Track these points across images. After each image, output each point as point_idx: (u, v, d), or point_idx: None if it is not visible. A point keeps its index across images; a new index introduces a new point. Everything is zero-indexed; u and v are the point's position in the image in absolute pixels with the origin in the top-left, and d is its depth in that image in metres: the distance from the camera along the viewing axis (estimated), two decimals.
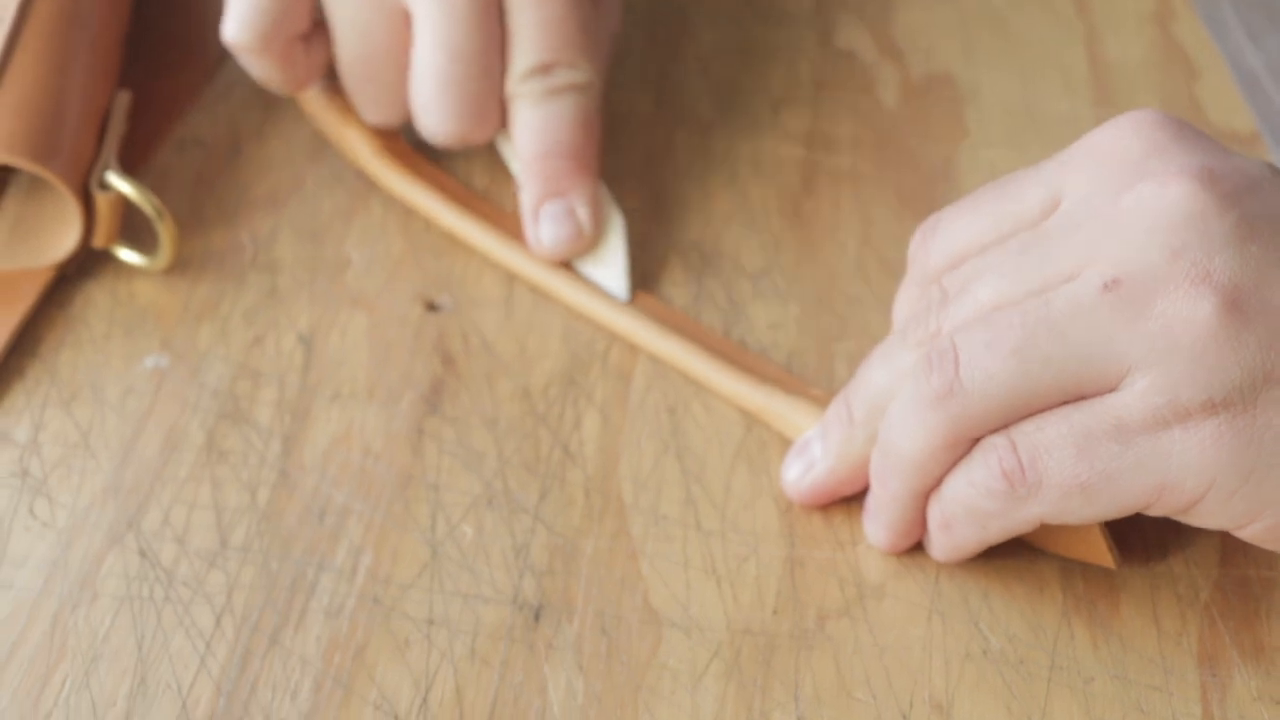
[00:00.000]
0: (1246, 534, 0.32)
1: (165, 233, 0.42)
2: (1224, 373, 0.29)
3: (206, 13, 0.50)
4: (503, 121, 0.44)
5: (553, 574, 0.36)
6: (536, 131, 0.43)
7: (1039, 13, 0.57)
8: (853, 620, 0.35)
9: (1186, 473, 0.30)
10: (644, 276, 0.44)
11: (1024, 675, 0.34)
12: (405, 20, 0.42)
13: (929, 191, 0.48)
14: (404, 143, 0.47)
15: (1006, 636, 0.34)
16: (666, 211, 0.46)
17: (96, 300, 0.42)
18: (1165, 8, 0.57)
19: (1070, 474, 0.31)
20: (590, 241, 0.43)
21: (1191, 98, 0.52)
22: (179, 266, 0.43)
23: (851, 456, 0.36)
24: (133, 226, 0.43)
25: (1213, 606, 0.35)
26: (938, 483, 0.34)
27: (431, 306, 0.43)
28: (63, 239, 0.42)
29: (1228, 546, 0.37)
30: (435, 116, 0.43)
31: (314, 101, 0.47)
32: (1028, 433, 0.31)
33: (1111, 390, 0.31)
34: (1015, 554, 0.36)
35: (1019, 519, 0.32)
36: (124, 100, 0.45)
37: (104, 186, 0.42)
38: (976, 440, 0.32)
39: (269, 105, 0.50)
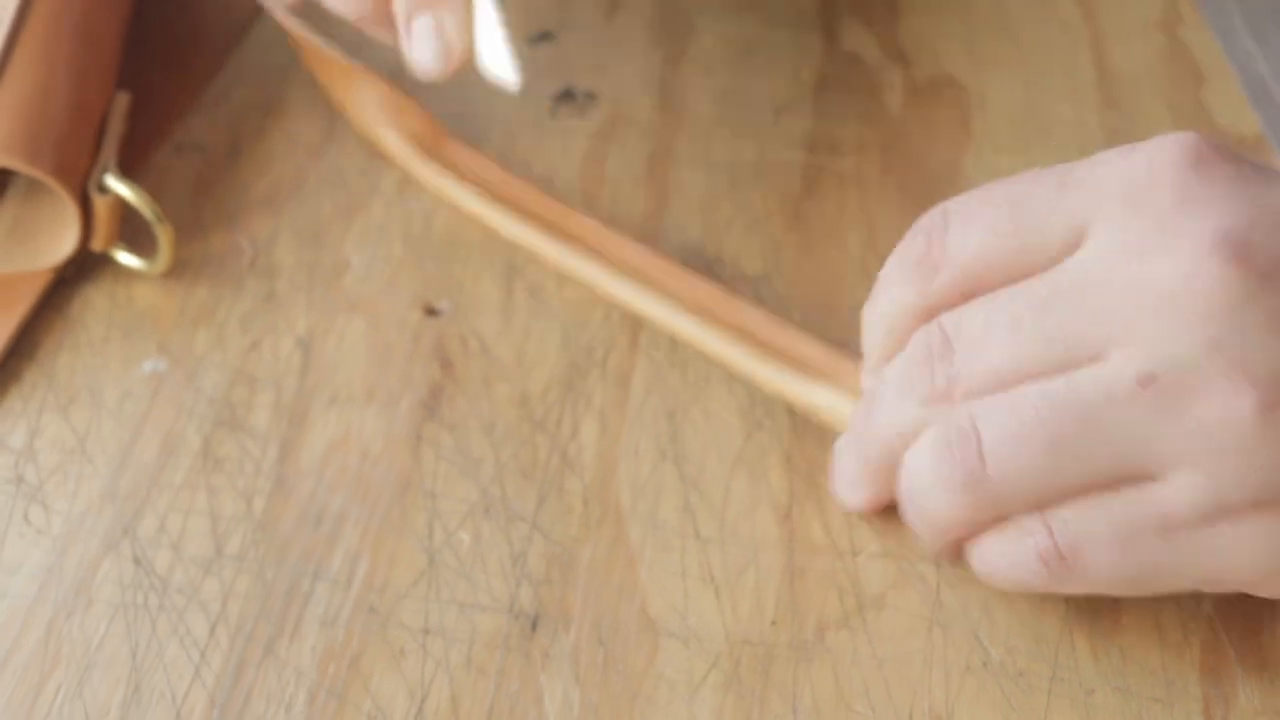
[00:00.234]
0: None
1: (163, 236, 0.42)
2: (1270, 472, 0.28)
3: (206, 14, 0.50)
4: None
5: (550, 583, 0.35)
6: None
7: (1045, 17, 0.56)
8: (852, 631, 0.34)
9: (1238, 566, 0.29)
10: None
11: (1024, 687, 0.33)
12: None
13: (933, 196, 0.47)
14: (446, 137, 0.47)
15: (1007, 648, 0.34)
16: (667, 214, 0.46)
17: (94, 304, 0.42)
18: (1172, 12, 0.57)
19: (1114, 567, 0.30)
20: (465, 53, 0.42)
21: (1198, 102, 0.52)
22: (177, 270, 0.43)
23: (877, 490, 0.35)
24: (131, 229, 0.43)
25: (1216, 618, 0.35)
26: (971, 535, 0.33)
27: (431, 311, 0.42)
28: (61, 242, 0.42)
29: None
30: None
31: (362, 103, 0.46)
32: (1066, 520, 0.30)
33: (1150, 479, 0.29)
34: None
35: (1057, 589, 0.32)
36: (123, 102, 0.45)
37: (102, 189, 0.41)
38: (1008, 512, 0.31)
39: (269, 106, 0.49)
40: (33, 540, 0.36)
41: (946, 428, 0.31)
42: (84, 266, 0.43)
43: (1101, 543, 0.30)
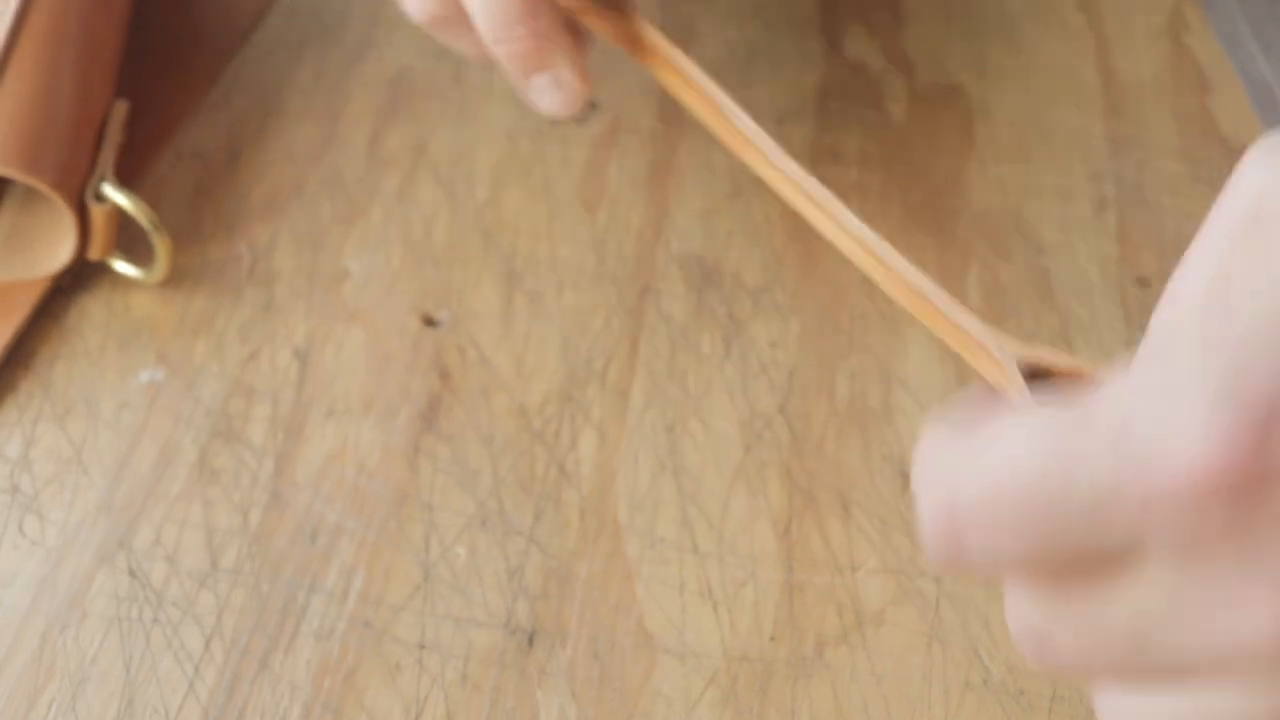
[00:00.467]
0: None
1: (160, 245, 0.41)
2: None
3: (205, 21, 0.49)
4: None
5: (546, 597, 0.35)
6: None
7: (1050, 25, 0.56)
8: (851, 648, 0.34)
9: None
10: (644, 289, 0.43)
11: (1024, 706, 0.33)
12: None
13: (936, 206, 0.47)
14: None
15: (1008, 666, 0.34)
16: (668, 224, 0.46)
17: (92, 313, 0.42)
18: (1178, 20, 0.56)
19: None
20: (587, 92, 0.42)
21: (1204, 110, 0.52)
22: (176, 278, 0.43)
23: None
24: (129, 237, 0.43)
25: None
26: None
27: (429, 322, 0.42)
28: (58, 250, 0.42)
29: None
30: None
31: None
32: None
33: None
34: None
35: None
36: (121, 110, 0.45)
37: (99, 198, 0.41)
38: None
39: (268, 112, 0.49)
40: (27, 551, 0.36)
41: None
42: (81, 275, 0.43)
43: None
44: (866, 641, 0.34)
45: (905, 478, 0.38)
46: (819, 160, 0.49)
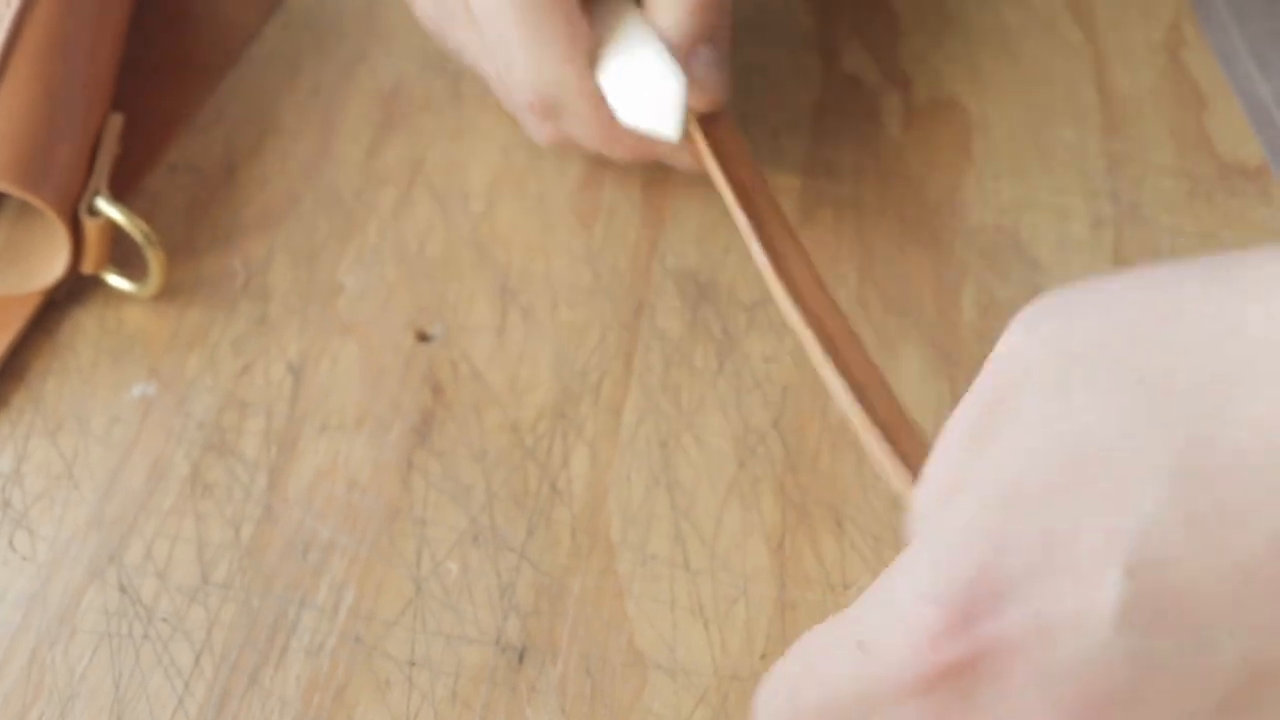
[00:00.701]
0: None
1: (154, 259, 0.41)
2: None
3: (201, 35, 0.50)
4: None
5: (538, 614, 0.35)
6: None
7: (1048, 40, 0.56)
8: None
9: None
10: (639, 304, 0.43)
11: None
12: None
13: (932, 222, 0.47)
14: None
15: None
16: (663, 240, 0.46)
17: (85, 327, 0.42)
18: (1175, 36, 0.56)
19: None
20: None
21: (1200, 127, 0.51)
22: (169, 292, 0.43)
23: None
24: (123, 251, 0.43)
25: None
26: None
27: (423, 337, 0.42)
28: (51, 264, 0.42)
29: None
30: None
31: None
32: None
33: None
34: None
35: None
36: (116, 123, 0.45)
37: (93, 212, 0.41)
38: None
39: (264, 127, 0.49)
40: (17, 567, 0.36)
41: None
42: (75, 289, 0.43)
43: None
44: None
45: (898, 494, 0.38)
46: (814, 174, 0.49)
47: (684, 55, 0.42)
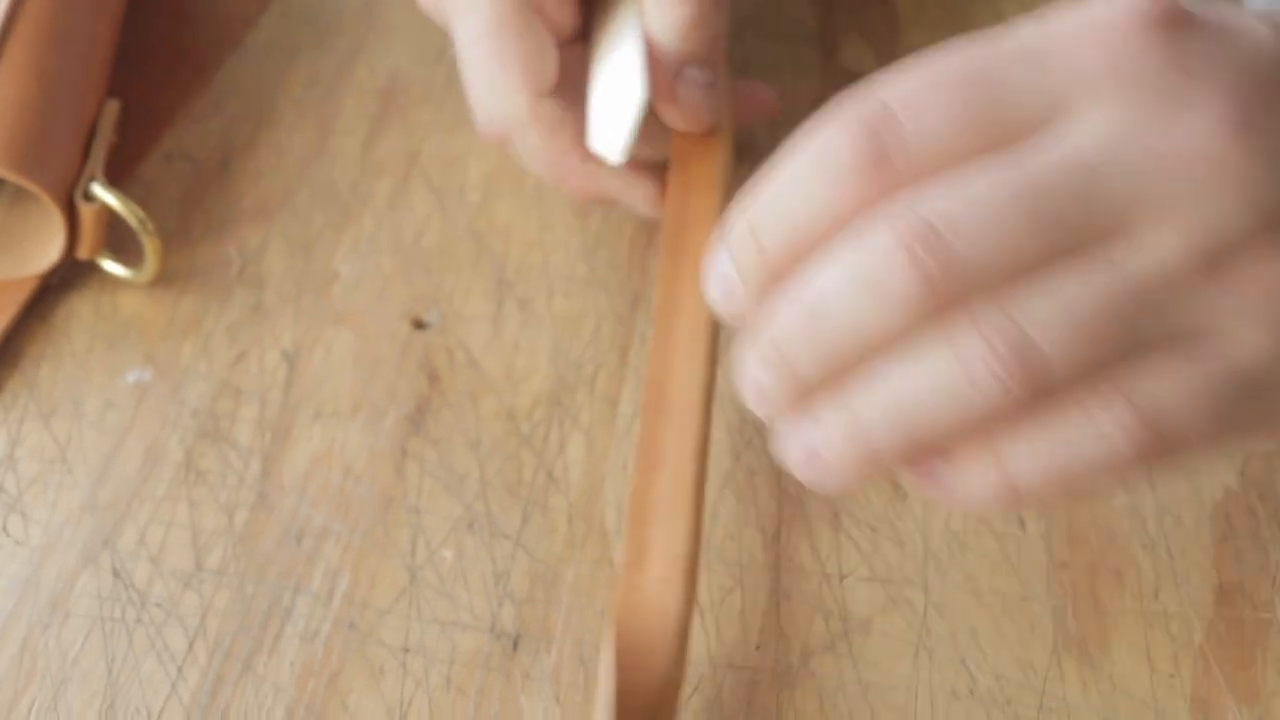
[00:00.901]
0: None
1: (149, 245, 0.41)
2: None
3: (198, 24, 0.49)
4: None
5: (532, 602, 0.35)
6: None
7: None
8: (837, 656, 0.34)
9: None
10: (636, 296, 0.43)
11: (1011, 715, 0.33)
12: None
13: None
14: None
15: (995, 675, 0.34)
16: (660, 232, 0.46)
17: (80, 312, 0.42)
18: None
19: (1209, 426, 0.26)
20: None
21: None
22: (165, 279, 0.43)
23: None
24: (119, 238, 0.43)
25: (1207, 648, 0.34)
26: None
27: (419, 324, 0.42)
28: (47, 249, 0.42)
29: (1224, 586, 0.36)
30: None
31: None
32: (1145, 392, 0.26)
33: (1211, 335, 0.26)
34: (1006, 589, 0.35)
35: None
36: (112, 110, 0.44)
37: (89, 198, 0.41)
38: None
39: (261, 117, 0.49)
40: (10, 551, 0.35)
41: (985, 342, 0.26)
42: (70, 274, 0.42)
43: (1192, 405, 0.26)
44: (853, 650, 0.34)
45: (896, 486, 0.38)
46: None
47: (669, 75, 0.40)
